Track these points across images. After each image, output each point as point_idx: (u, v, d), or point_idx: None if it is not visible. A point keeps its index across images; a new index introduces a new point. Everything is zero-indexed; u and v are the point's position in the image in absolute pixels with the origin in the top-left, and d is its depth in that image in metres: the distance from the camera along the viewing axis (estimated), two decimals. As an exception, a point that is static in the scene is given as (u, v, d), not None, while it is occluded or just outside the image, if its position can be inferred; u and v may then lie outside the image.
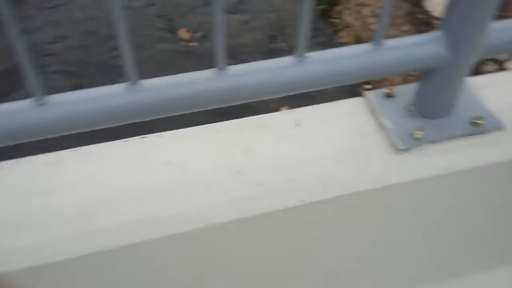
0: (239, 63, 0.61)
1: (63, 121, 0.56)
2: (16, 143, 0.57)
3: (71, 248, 0.62)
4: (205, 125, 0.75)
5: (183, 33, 3.67)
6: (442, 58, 0.65)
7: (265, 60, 0.62)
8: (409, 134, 0.72)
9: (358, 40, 3.33)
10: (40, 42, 3.58)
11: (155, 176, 0.69)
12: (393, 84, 1.08)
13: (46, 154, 0.70)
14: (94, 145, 0.72)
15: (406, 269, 0.89)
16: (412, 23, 3.26)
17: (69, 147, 0.71)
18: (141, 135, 0.73)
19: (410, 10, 3.37)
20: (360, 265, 0.85)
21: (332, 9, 3.73)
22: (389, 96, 0.77)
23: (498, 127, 0.75)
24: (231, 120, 0.76)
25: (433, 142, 0.73)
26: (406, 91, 0.77)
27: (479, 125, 0.74)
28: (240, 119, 0.75)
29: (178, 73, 0.60)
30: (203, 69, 0.60)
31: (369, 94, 0.78)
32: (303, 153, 0.72)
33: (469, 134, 0.74)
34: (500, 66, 3.00)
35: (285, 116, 0.77)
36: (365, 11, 3.52)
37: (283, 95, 0.63)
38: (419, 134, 0.72)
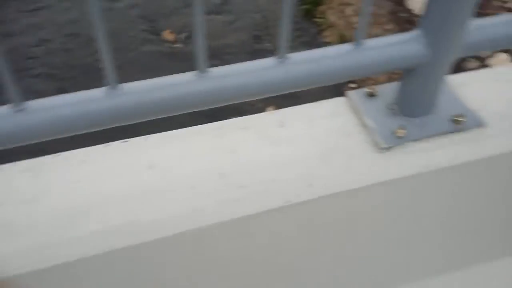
0: (225, 64, 0.61)
1: (42, 127, 0.56)
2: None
3: (55, 255, 0.61)
4: (188, 128, 0.74)
5: (167, 35, 3.65)
6: (422, 57, 0.66)
7: (246, 62, 0.62)
8: (392, 133, 0.73)
9: (342, 39, 3.34)
10: (23, 45, 3.53)
11: (139, 180, 0.68)
12: (378, 82, 1.09)
13: (26, 161, 0.69)
14: (75, 150, 0.71)
15: (393, 267, 0.90)
16: (395, 22, 3.29)
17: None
18: (131, 137, 0.73)
19: (392, 8, 3.40)
20: (347, 264, 0.85)
21: (316, 8, 3.74)
22: (371, 95, 0.78)
23: (478, 124, 0.75)
24: (214, 122, 0.75)
25: (415, 140, 0.73)
26: (388, 90, 0.77)
27: (460, 122, 0.75)
28: (223, 121, 0.75)
29: (163, 74, 0.60)
30: (189, 70, 0.60)
31: (352, 93, 0.79)
32: (287, 153, 0.72)
33: (451, 132, 0.74)
34: (482, 63, 3.03)
35: (268, 117, 0.77)
36: (348, 10, 3.54)
37: (265, 96, 0.63)
38: (401, 132, 0.72)
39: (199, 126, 0.75)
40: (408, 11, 3.35)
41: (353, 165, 0.71)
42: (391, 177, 0.70)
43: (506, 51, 3.00)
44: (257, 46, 3.62)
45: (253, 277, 0.79)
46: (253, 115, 0.76)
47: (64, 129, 0.56)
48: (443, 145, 0.73)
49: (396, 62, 0.66)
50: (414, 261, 0.90)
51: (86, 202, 0.65)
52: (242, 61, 0.61)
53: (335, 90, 1.32)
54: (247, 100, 0.64)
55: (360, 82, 2.95)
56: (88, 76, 3.34)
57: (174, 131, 0.74)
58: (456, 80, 0.81)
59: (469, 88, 0.80)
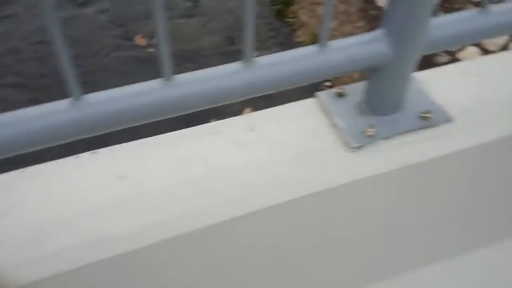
0: (200, 66, 0.61)
1: (6, 143, 0.54)
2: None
3: (26, 273, 0.60)
4: (158, 136, 0.74)
5: (139, 40, 3.61)
6: (386, 56, 0.67)
7: (212, 67, 0.61)
8: (361, 132, 0.73)
9: (315, 38, 3.36)
10: (-9, 56, 3.46)
11: (109, 192, 0.67)
12: (353, 80, 1.10)
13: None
14: (43, 164, 0.69)
15: (368, 264, 0.91)
16: (366, 19, 3.33)
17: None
18: (103, 147, 0.72)
19: (363, 6, 3.43)
20: (328, 263, 0.86)
21: (288, 8, 3.76)
22: (340, 95, 0.78)
23: (446, 119, 0.77)
24: (184, 129, 0.75)
25: (385, 138, 0.74)
26: (357, 90, 0.78)
27: (428, 118, 0.76)
28: (193, 127, 0.75)
29: (137, 79, 0.59)
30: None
31: (321, 94, 0.79)
32: (259, 157, 0.72)
33: (420, 128, 0.75)
34: (453, 56, 3.09)
35: (238, 121, 0.76)
36: (320, 9, 3.56)
37: (233, 101, 0.63)
38: (371, 131, 0.73)
39: (169, 133, 0.74)
40: (378, 8, 3.39)
41: (325, 165, 0.71)
42: (362, 176, 0.71)
43: (476, 44, 3.06)
44: (231, 48, 3.62)
45: (228, 281, 0.78)
46: (222, 120, 0.76)
47: (27, 144, 0.54)
48: (412, 141, 0.74)
49: (361, 62, 0.66)
50: (390, 256, 0.91)
51: (56, 216, 0.64)
52: (217, 63, 0.61)
53: (313, 89, 1.32)
54: (215, 106, 0.63)
55: (334, 80, 2.97)
56: (61, 85, 3.28)
57: (143, 139, 0.73)
58: (424, 77, 0.82)
59: (436, 83, 0.82)
